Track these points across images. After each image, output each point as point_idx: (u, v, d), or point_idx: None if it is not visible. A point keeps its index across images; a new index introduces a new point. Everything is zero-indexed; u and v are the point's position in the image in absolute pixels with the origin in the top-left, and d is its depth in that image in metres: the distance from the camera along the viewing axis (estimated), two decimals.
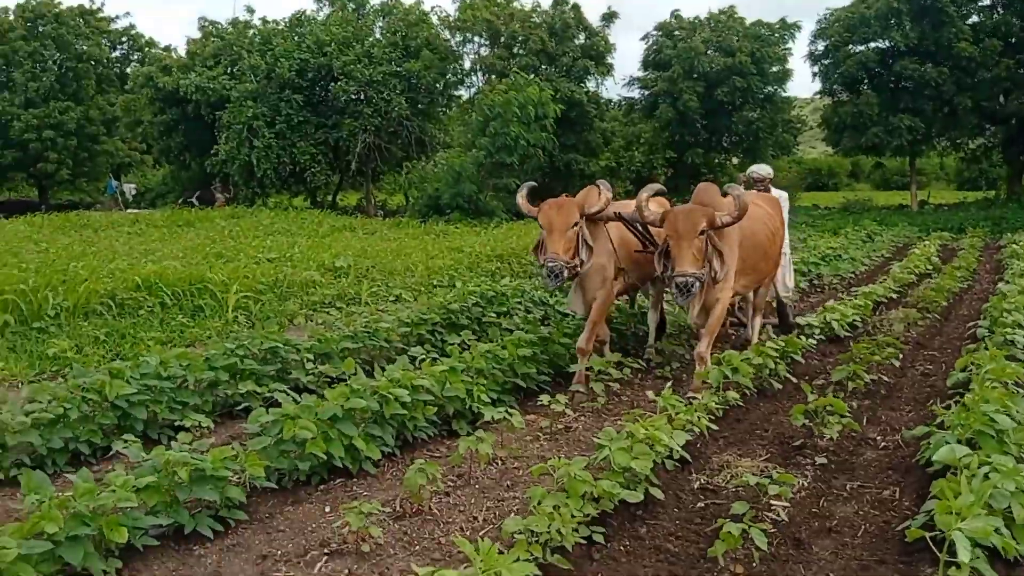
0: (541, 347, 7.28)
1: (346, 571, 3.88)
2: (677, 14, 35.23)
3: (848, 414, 5.65)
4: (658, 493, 4.54)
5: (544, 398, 6.18)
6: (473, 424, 5.98)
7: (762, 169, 9.29)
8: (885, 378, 7.12)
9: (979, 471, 3.88)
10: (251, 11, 38.59)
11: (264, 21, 36.71)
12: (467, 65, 35.06)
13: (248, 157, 30.91)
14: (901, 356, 7.78)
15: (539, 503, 3.98)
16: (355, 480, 5.09)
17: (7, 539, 3.44)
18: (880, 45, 31.46)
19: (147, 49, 46.07)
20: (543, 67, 32.40)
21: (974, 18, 31.22)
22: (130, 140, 43.89)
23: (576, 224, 6.73)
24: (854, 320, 9.17)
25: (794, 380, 6.96)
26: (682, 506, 4.69)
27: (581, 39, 34.34)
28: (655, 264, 6.69)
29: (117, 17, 45.36)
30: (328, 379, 6.65)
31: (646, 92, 34.88)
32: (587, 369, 6.97)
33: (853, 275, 14.39)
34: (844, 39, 31.55)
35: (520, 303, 9.67)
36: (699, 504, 4.71)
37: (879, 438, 5.77)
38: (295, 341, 7.13)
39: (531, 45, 32.60)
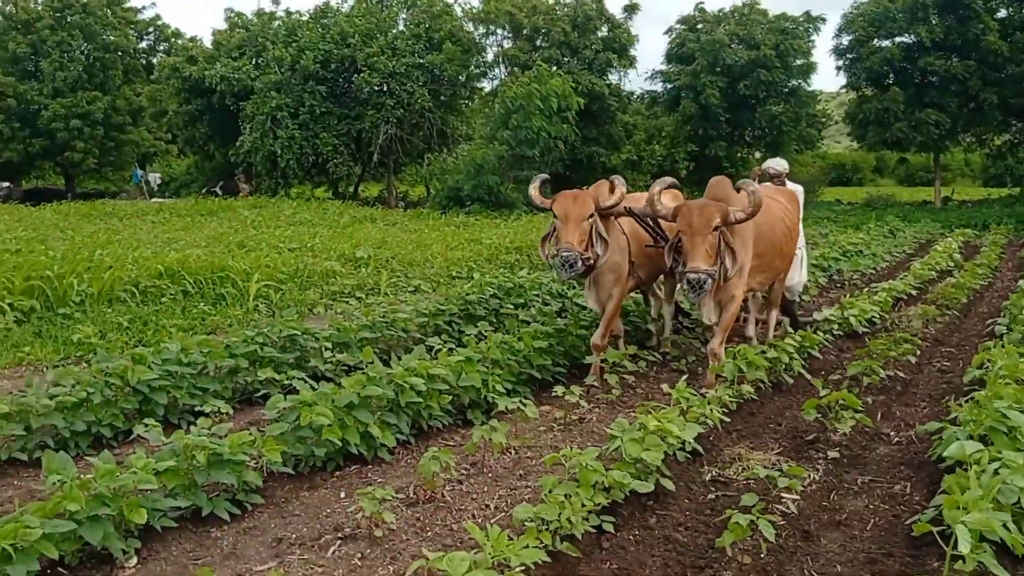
0: (557, 339, 7.33)
1: (359, 555, 3.95)
2: (701, 7, 35.10)
3: (861, 409, 5.66)
4: (669, 484, 4.57)
5: (559, 389, 6.23)
6: (488, 414, 6.04)
7: (778, 164, 9.21)
8: (901, 374, 7.09)
9: (989, 467, 3.89)
10: (276, 2, 38.80)
11: (288, 13, 36.90)
12: (490, 57, 35.14)
13: (271, 148, 31.16)
14: (919, 352, 7.76)
15: (550, 491, 4.03)
16: (370, 467, 5.17)
17: (30, 518, 3.54)
18: (906, 40, 31.14)
19: (173, 40, 46.47)
20: (565, 59, 32.37)
21: (1002, 12, 30.83)
22: (155, 130, 44.28)
23: (591, 216, 6.66)
24: (872, 316, 9.14)
25: (808, 375, 6.95)
26: (693, 497, 4.73)
27: (604, 31, 34.28)
28: (665, 258, 6.63)
29: (144, 8, 45.81)
30: (346, 367, 6.75)
31: (669, 86, 34.74)
32: (602, 362, 7.01)
33: (874, 271, 14.31)
34: (869, 34, 31.28)
35: (537, 295, 9.73)
36: (710, 496, 4.74)
37: (892, 433, 5.77)
38: (314, 330, 7.22)
39: (553, 37, 32.57)
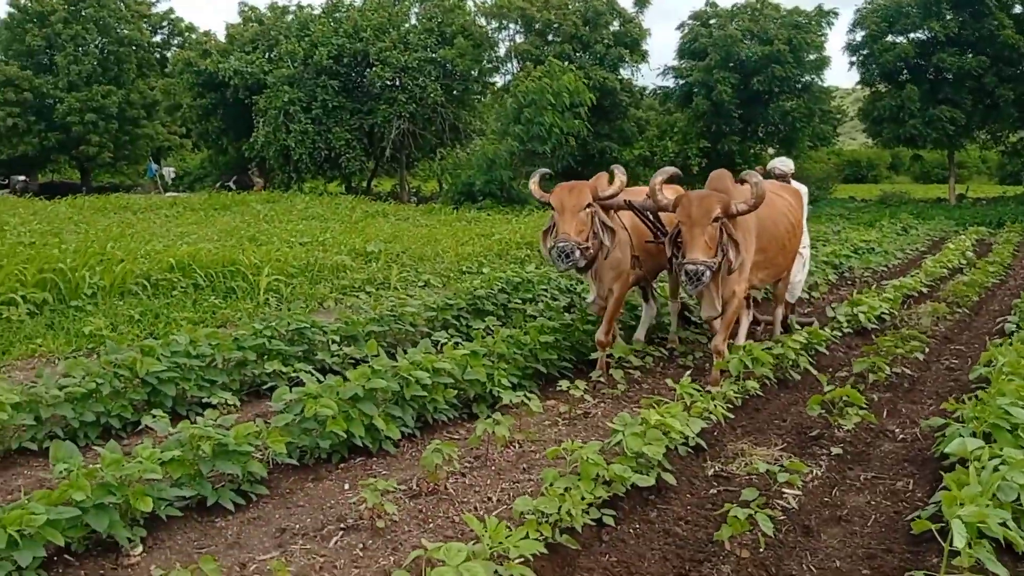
0: (564, 334, 7.35)
1: (360, 546, 3.99)
2: (712, 2, 34.90)
3: (865, 406, 5.67)
4: (670, 478, 4.59)
5: (564, 384, 6.25)
6: (493, 408, 6.07)
7: (783, 164, 9.11)
8: (908, 371, 7.08)
9: (989, 463, 3.89)
10: None
11: (300, 7, 36.99)
12: (502, 52, 35.09)
13: (284, 142, 31.27)
14: (927, 350, 7.75)
15: (551, 484, 4.06)
16: (375, 459, 5.21)
17: (36, 505, 3.60)
18: (920, 36, 30.91)
19: (187, 34, 46.69)
20: (577, 54, 32.30)
21: (1018, 8, 30.55)
22: (170, 124, 44.55)
23: (589, 206, 6.57)
24: (882, 313, 9.11)
25: (816, 372, 6.94)
26: (695, 492, 4.75)
27: (615, 26, 34.17)
28: (666, 249, 6.55)
29: (157, 1, 46.01)
30: (352, 360, 6.79)
31: (681, 81, 34.60)
32: (608, 357, 7.03)
33: (885, 268, 14.25)
34: (882, 30, 31.04)
35: (546, 290, 9.75)
36: (712, 490, 4.76)
37: (897, 430, 5.77)
38: (322, 323, 7.27)
39: (565, 31, 32.52)
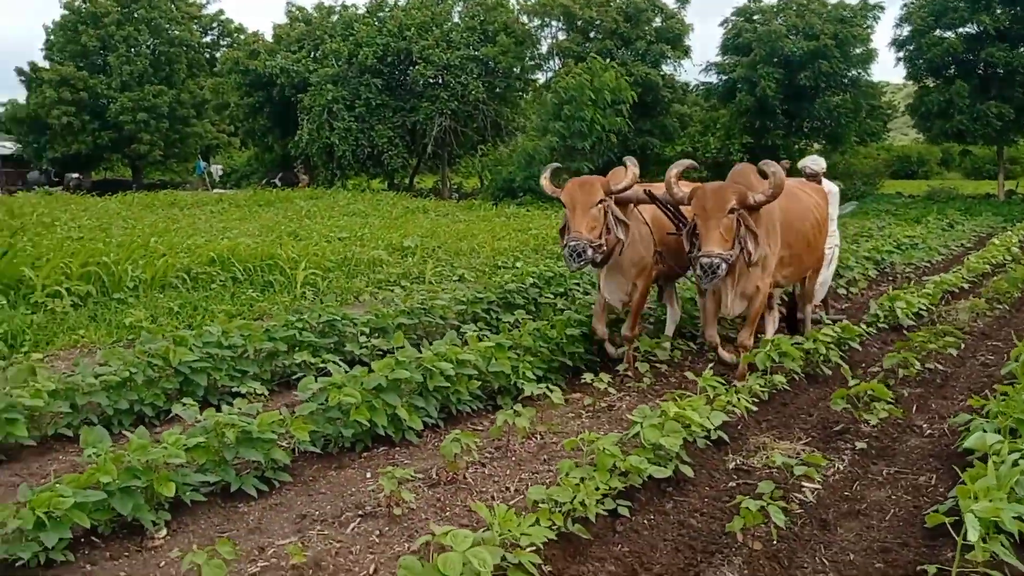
0: (591, 327, 7.35)
1: (377, 532, 4.07)
2: None
3: (892, 401, 5.60)
4: (688, 471, 4.60)
5: (588, 376, 6.27)
6: (518, 400, 6.11)
7: (815, 163, 8.92)
8: (941, 367, 6.97)
9: (1009, 458, 3.84)
10: None
11: (345, 7, 37.37)
12: (544, 49, 35.11)
13: (328, 139, 31.63)
14: (962, 346, 7.62)
15: (567, 474, 4.09)
16: (398, 449, 5.29)
17: (64, 488, 3.73)
18: (968, 30, 30.21)
19: (236, 35, 47.44)
20: (619, 50, 32.16)
21: None
22: (218, 122, 45.28)
23: (601, 201, 6.38)
24: (920, 309, 8.96)
25: (847, 366, 6.86)
26: (714, 485, 4.74)
27: (657, 22, 33.96)
28: (683, 243, 6.38)
29: (208, 3, 46.79)
30: (381, 352, 6.88)
31: (724, 77, 34.24)
32: (634, 350, 7.02)
33: (928, 264, 14.00)
34: (929, 24, 30.40)
35: (578, 284, 9.76)
36: (731, 483, 4.75)
37: (925, 426, 5.69)
38: (352, 315, 7.38)
39: (606, 27, 32.40)
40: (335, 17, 37.25)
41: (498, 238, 15.44)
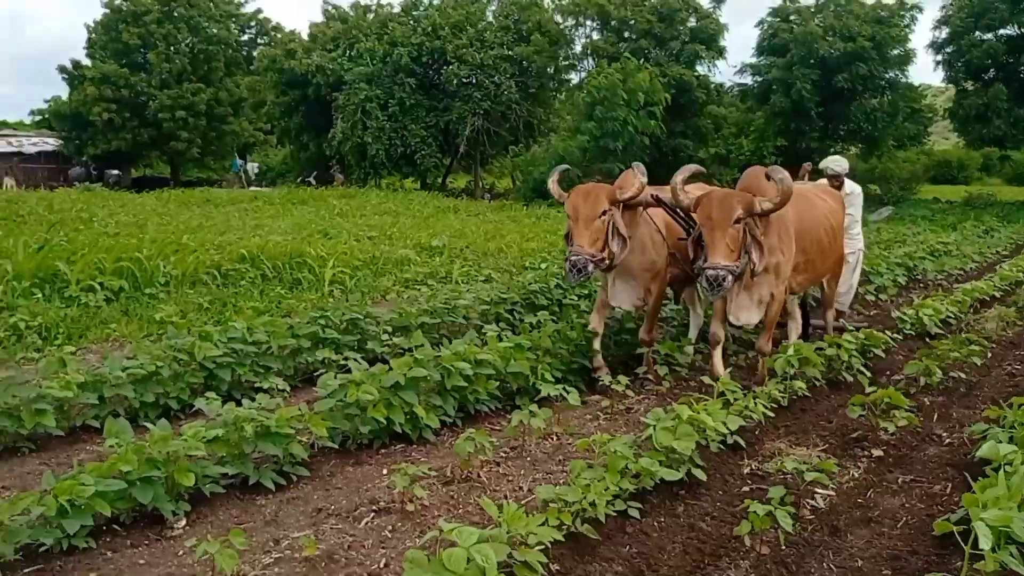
0: (613, 329, 7.38)
1: (389, 527, 4.14)
2: None
3: (910, 408, 5.57)
4: (701, 474, 4.61)
5: (607, 378, 6.30)
6: (536, 401, 6.15)
7: (837, 164, 8.78)
8: (965, 376, 6.90)
9: (1021, 468, 3.82)
10: None
11: (380, 5, 37.63)
12: (578, 49, 35.10)
13: (361, 138, 31.87)
14: (989, 355, 7.54)
15: (578, 475, 4.14)
16: (415, 446, 5.36)
17: (86, 477, 3.84)
18: (1009, 32, 29.69)
19: (273, 34, 47.94)
20: (653, 51, 32.04)
21: None
22: (255, 120, 45.77)
23: (605, 213, 6.25)
24: (947, 317, 8.87)
25: (869, 374, 6.82)
26: (727, 489, 4.76)
27: (692, 22, 33.80)
28: (689, 252, 6.25)
29: (246, 1, 47.33)
30: (402, 350, 6.93)
31: (759, 79, 33.97)
32: (653, 353, 7.02)
33: (961, 272, 13.83)
34: (968, 26, 29.93)
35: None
36: (744, 488, 4.76)
37: (944, 434, 5.65)
38: (375, 313, 7.47)
39: (640, 27, 32.31)
40: (371, 16, 37.54)
41: (527, 239, 15.50)
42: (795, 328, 7.62)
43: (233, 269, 10.58)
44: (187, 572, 3.68)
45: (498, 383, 6.06)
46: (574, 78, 36.68)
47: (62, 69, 40.71)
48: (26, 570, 3.64)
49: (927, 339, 8.47)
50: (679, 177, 6.23)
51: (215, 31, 42.75)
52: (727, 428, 5.03)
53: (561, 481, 4.69)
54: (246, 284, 10.30)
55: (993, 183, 48.97)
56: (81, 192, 25.84)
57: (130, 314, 8.87)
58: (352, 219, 18.68)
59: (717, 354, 6.49)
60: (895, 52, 31.40)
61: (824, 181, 8.70)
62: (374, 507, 4.36)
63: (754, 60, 34.50)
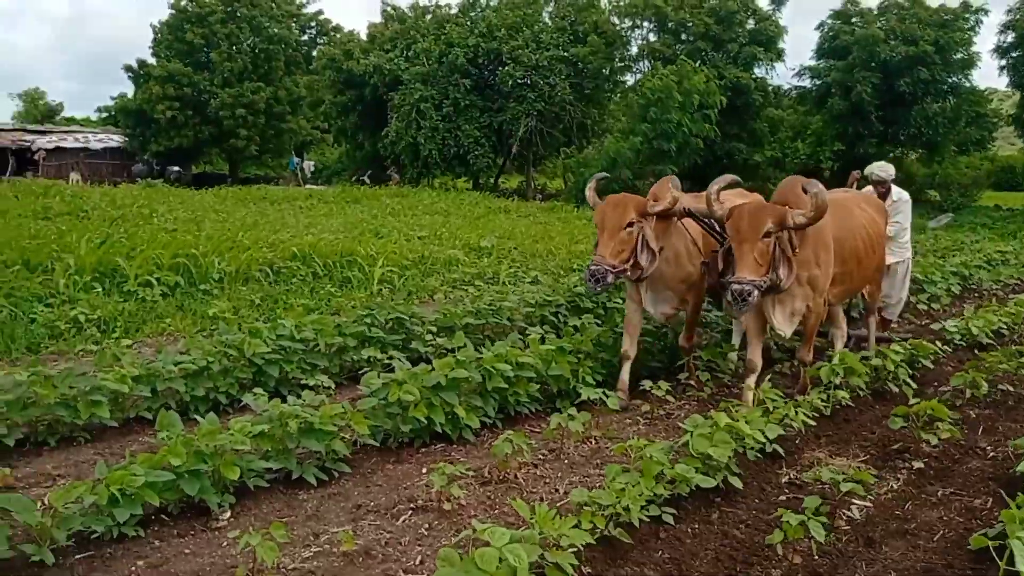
0: (656, 335, 7.39)
1: (426, 525, 4.24)
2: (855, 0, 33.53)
3: (953, 421, 5.50)
4: (737, 482, 4.63)
5: (647, 383, 6.32)
6: (576, 404, 6.20)
7: (882, 170, 8.56)
8: (1013, 388, 6.78)
9: None
10: None
11: (438, 6, 37.93)
12: (634, 51, 34.95)
13: (414, 138, 32.18)
14: None
15: (613, 479, 4.18)
16: (455, 446, 5.46)
17: (137, 467, 4.01)
18: None
19: (333, 34, 48.61)
20: (710, 53, 31.76)
21: None
22: (312, 119, 46.46)
23: (631, 224, 6.14)
24: (1000, 328, 8.70)
25: (913, 385, 6.73)
26: (764, 497, 4.76)
27: (751, 24, 33.41)
28: (718, 263, 6.14)
29: (308, 2, 48.05)
30: (446, 351, 7.04)
31: (818, 82, 33.42)
32: (695, 359, 7.02)
33: (1018, 282, 13.50)
34: None
35: None
36: (781, 497, 4.75)
37: (989, 448, 5.56)
38: (420, 313, 7.60)
39: (697, 29, 32.06)
40: (428, 17, 37.87)
41: (575, 241, 15.53)
42: (840, 337, 7.53)
43: (285, 267, 10.82)
44: (230, 563, 3.82)
45: (539, 385, 6.12)
46: (629, 80, 36.55)
47: (128, 68, 41.82)
48: (77, 556, 3.81)
49: (977, 350, 8.32)
50: (714, 187, 6.13)
51: (276, 31, 43.47)
52: (765, 436, 5.03)
53: (597, 484, 4.73)
54: (297, 282, 10.52)
55: None
56: (143, 188, 26.55)
57: (184, 309, 9.13)
58: (403, 218, 18.91)
59: (750, 384, 6.17)
60: (958, 56, 30.64)
61: (871, 188, 8.59)
62: (412, 505, 4.46)
63: (813, 62, 33.95)
